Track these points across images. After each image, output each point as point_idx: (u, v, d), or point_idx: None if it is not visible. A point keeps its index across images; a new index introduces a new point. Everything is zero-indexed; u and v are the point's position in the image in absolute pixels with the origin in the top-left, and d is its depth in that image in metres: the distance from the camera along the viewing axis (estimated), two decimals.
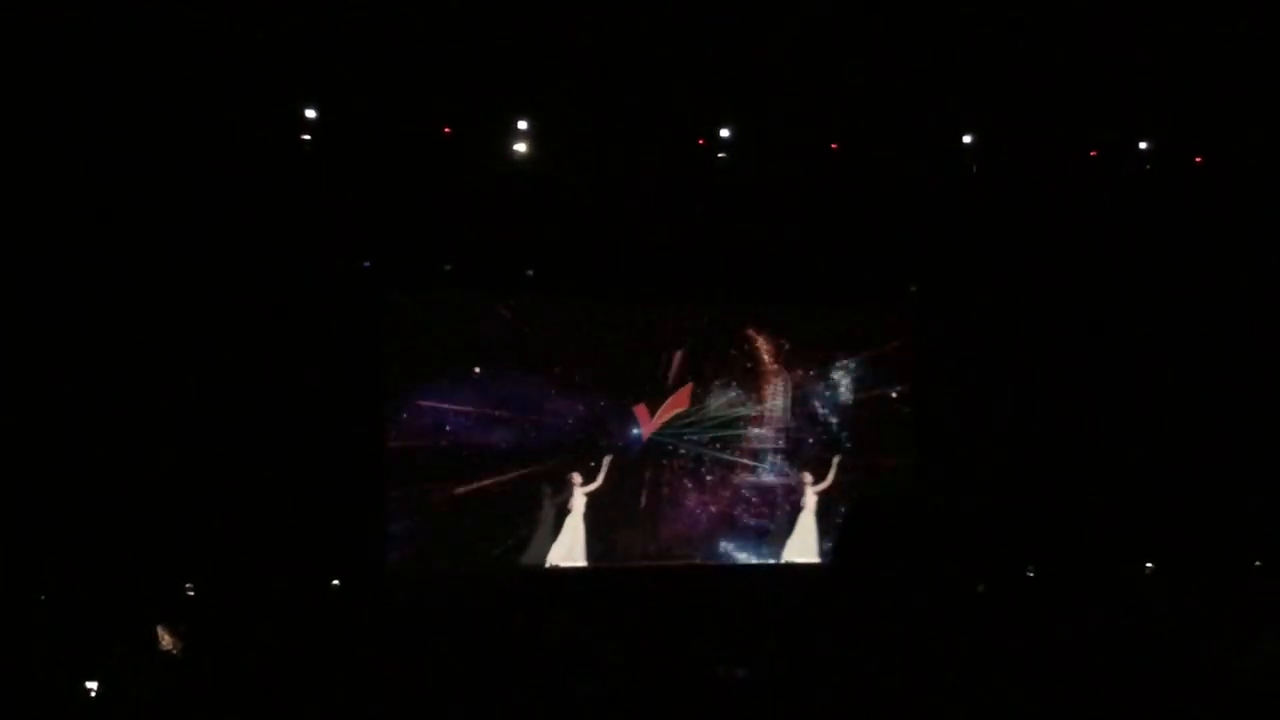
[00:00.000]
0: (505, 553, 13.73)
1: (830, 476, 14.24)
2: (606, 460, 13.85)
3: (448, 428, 13.88)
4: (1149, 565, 13.53)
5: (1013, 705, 2.73)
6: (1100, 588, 11.81)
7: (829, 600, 2.77)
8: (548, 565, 13.67)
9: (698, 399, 14.42)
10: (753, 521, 14.48)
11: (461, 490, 13.74)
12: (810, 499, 14.21)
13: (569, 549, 13.74)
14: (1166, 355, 13.71)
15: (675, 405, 14.38)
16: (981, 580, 11.20)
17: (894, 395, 14.81)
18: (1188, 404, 13.63)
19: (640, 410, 14.31)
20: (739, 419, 14.56)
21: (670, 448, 14.36)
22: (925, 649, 2.63)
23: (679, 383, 14.37)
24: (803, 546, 14.17)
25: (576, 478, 13.81)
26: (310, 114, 11.78)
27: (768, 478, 14.50)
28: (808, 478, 14.24)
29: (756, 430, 14.59)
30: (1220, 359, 13.63)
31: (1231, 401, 13.58)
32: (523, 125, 12.26)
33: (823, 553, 14.07)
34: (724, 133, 12.60)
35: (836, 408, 14.72)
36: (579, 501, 13.77)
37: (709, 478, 14.45)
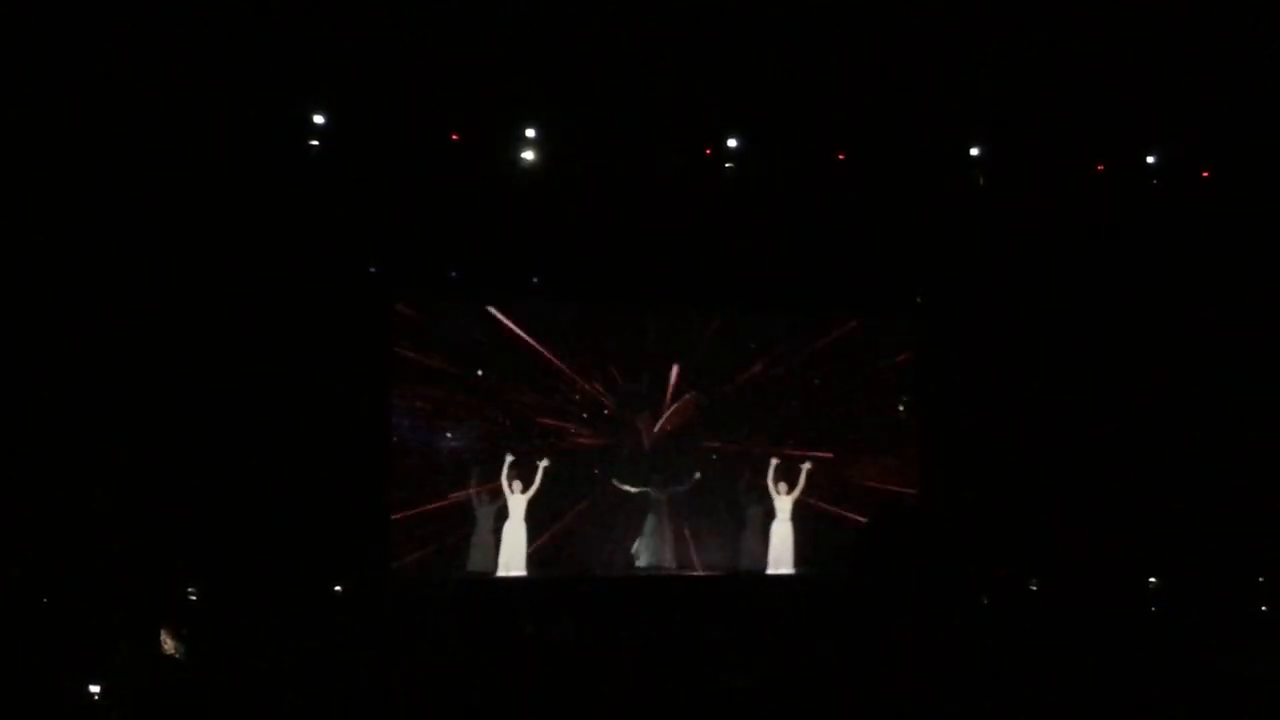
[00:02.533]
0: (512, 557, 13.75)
1: (800, 484, 14.19)
2: (541, 465, 13.70)
3: (450, 434, 13.90)
4: (1153, 579, 13.50)
5: (1016, 717, 2.73)
6: (1104, 600, 11.80)
7: (836, 611, 2.78)
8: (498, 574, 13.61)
9: (700, 408, 14.43)
10: (734, 532, 14.52)
11: (464, 496, 13.76)
12: (785, 507, 14.17)
13: (510, 557, 13.70)
14: (1173, 367, 13.70)
15: (678, 415, 14.39)
16: (984, 593, 11.21)
17: (899, 406, 14.82)
18: (1193, 415, 13.61)
19: (644, 420, 14.34)
20: (741, 430, 14.58)
21: (669, 457, 14.40)
22: (929, 660, 2.63)
23: (682, 391, 14.39)
24: (779, 557, 14.17)
25: (516, 485, 13.71)
26: (318, 120, 11.80)
27: (763, 484, 14.50)
28: (782, 487, 14.19)
29: (759, 440, 14.60)
30: (1227, 371, 13.62)
31: (1237, 414, 13.56)
32: (530, 133, 12.28)
33: (799, 561, 14.07)
34: (731, 143, 12.61)
35: (841, 417, 14.72)
36: (518, 507, 13.70)
37: (705, 490, 14.47)
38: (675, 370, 14.41)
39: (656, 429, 14.35)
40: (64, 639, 8.60)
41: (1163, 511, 13.40)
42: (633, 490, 14.12)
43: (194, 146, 11.52)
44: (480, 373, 13.92)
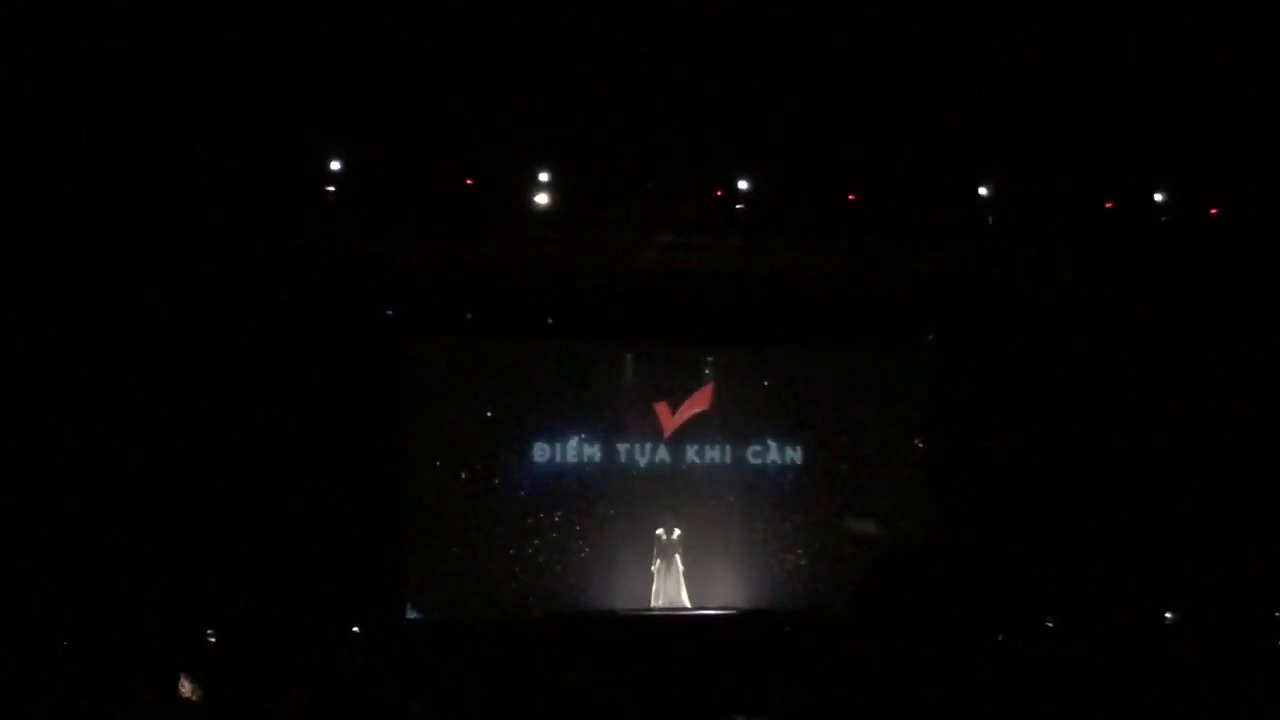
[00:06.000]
0: (527, 598, 13.76)
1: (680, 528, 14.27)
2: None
3: (466, 475, 13.94)
4: (1169, 615, 13.45)
5: None
6: (1120, 636, 11.75)
7: (848, 649, 2.81)
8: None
9: (718, 399, 14.47)
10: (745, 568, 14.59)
11: (483, 535, 13.79)
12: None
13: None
14: (1186, 402, 13.69)
15: (696, 404, 14.45)
16: (1000, 630, 11.18)
17: (911, 443, 14.83)
18: (1209, 450, 13.59)
19: (661, 408, 14.37)
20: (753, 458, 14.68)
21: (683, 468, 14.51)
22: (944, 699, 2.66)
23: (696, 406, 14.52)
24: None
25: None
26: (334, 165, 11.89)
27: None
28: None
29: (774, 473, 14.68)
30: (1244, 406, 13.59)
31: (1256, 449, 13.52)
32: (544, 177, 12.35)
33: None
34: (742, 184, 12.66)
35: (852, 455, 14.74)
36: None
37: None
38: (688, 403, 14.52)
39: (674, 416, 14.39)
40: (83, 683, 8.63)
41: (1180, 546, 13.36)
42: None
43: (212, 193, 11.61)
44: (496, 413, 13.98)
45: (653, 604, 14.04)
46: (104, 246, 11.63)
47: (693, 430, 14.51)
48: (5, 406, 11.59)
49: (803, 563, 14.45)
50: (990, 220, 12.76)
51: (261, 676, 9.28)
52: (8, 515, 11.40)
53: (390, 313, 13.42)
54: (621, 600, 14.01)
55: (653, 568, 14.09)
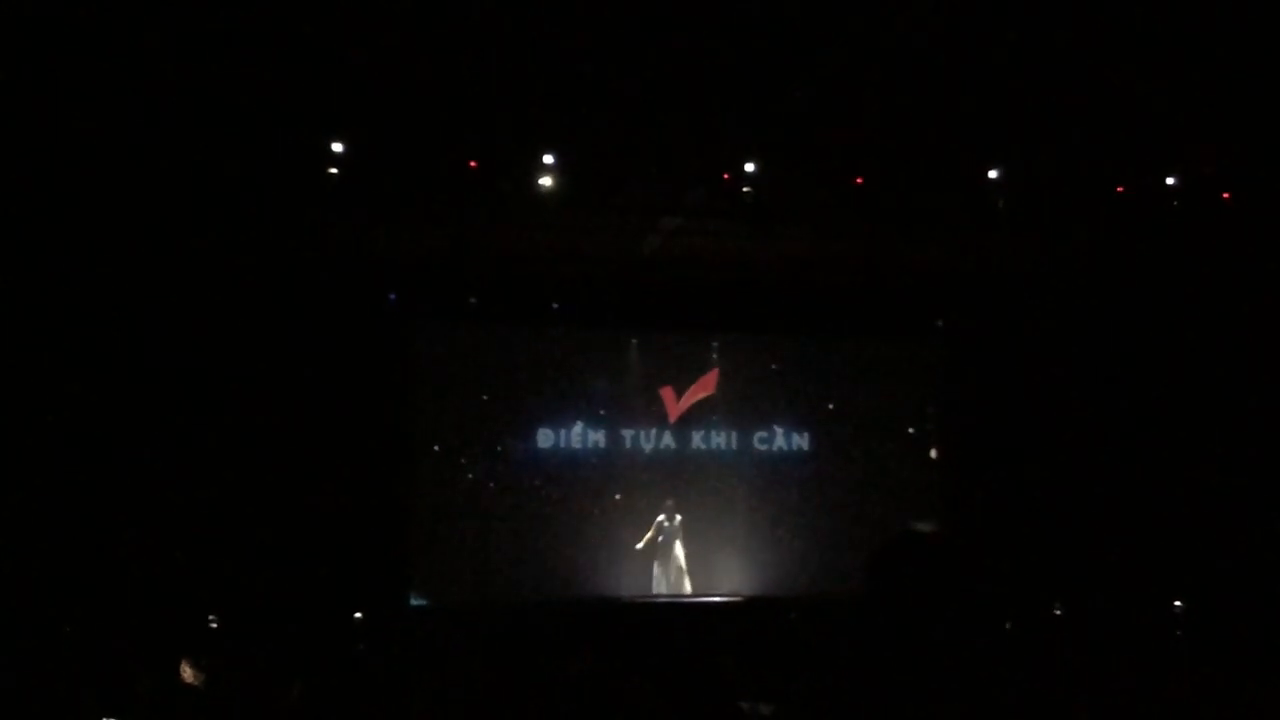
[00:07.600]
0: (531, 585, 13.73)
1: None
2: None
3: (469, 461, 13.91)
4: (1177, 603, 13.39)
5: None
6: (1128, 624, 11.72)
7: (853, 636, 2.75)
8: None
9: (724, 385, 14.44)
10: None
11: (486, 521, 13.76)
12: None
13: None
14: (1197, 389, 13.62)
15: (702, 389, 14.42)
16: (1008, 618, 11.14)
17: (919, 430, 14.78)
18: (1218, 437, 13.52)
19: (666, 392, 14.35)
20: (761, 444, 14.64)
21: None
22: (951, 687, 2.60)
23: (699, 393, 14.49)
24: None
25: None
26: (337, 147, 11.82)
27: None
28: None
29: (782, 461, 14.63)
30: (1254, 394, 13.52)
31: (1265, 437, 13.45)
32: (548, 159, 12.27)
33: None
34: (749, 167, 12.58)
35: (860, 442, 14.69)
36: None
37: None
38: (693, 390, 14.46)
39: (679, 402, 14.37)
40: (84, 669, 8.60)
41: (1190, 534, 13.29)
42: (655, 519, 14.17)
43: (214, 179, 11.56)
44: (501, 398, 13.94)
45: (655, 590, 14.02)
46: (103, 234, 11.58)
47: (698, 416, 14.48)
48: (6, 393, 11.56)
49: (808, 550, 14.41)
50: (1000, 205, 12.69)
51: (264, 663, 9.25)
52: (9, 500, 11.38)
53: (393, 298, 13.37)
54: (625, 587, 13.98)
55: (655, 555, 14.07)
